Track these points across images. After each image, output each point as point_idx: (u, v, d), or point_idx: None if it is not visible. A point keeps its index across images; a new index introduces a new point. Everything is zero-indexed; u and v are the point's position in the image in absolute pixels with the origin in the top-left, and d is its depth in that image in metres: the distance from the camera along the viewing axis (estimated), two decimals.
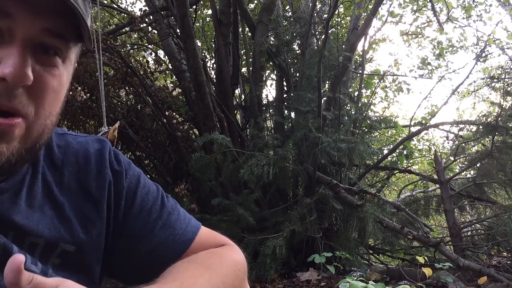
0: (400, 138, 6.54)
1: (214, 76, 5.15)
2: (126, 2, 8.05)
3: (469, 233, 4.82)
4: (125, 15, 5.74)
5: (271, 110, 5.16)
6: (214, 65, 5.33)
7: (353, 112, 5.01)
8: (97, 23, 3.28)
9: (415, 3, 7.82)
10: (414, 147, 7.11)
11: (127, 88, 4.99)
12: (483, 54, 7.52)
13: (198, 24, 6.24)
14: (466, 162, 5.22)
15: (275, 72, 5.56)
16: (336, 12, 5.03)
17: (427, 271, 3.21)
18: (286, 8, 6.21)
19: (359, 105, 5.30)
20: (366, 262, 4.50)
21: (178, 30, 4.59)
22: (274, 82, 5.89)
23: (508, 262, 3.91)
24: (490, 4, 9.90)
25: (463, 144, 5.37)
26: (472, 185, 4.51)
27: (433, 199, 5.07)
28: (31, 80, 0.53)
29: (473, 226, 4.94)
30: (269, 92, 7.30)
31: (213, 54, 5.65)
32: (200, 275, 0.64)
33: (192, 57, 4.06)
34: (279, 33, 5.09)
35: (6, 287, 0.41)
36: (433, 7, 6.18)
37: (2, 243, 0.56)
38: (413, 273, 3.61)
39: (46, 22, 0.55)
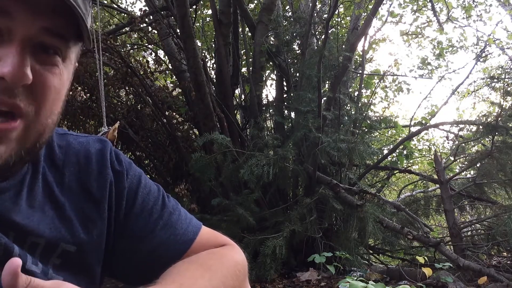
0: (400, 138, 6.55)
1: (214, 76, 5.15)
2: (126, 2, 8.06)
3: (469, 233, 4.82)
4: (125, 15, 5.74)
5: (271, 110, 5.16)
6: (214, 65, 5.33)
7: (353, 112, 5.01)
8: (97, 23, 3.28)
9: (415, 3, 7.82)
10: (414, 147, 7.12)
11: (127, 88, 5.00)
12: (483, 54, 7.52)
13: (198, 24, 6.24)
14: (466, 162, 5.22)
15: (275, 72, 5.56)
16: (336, 12, 5.03)
17: (427, 271, 3.21)
18: (286, 8, 6.21)
19: (359, 105, 5.30)
20: (366, 262, 4.50)
21: (178, 30, 4.59)
22: (274, 82, 5.90)
23: (508, 262, 3.92)
24: (490, 4, 9.91)
25: (463, 144, 5.37)
26: (472, 185, 4.51)
27: (433, 199, 5.07)
28: (30, 79, 0.53)
29: (473, 226, 4.94)
30: (269, 92, 7.32)
31: (213, 54, 5.65)
32: (200, 275, 0.64)
33: (192, 57, 4.06)
34: (279, 33, 5.09)
35: None
36: (433, 7, 6.18)
37: (3, 243, 0.56)
38: (413, 273, 3.61)
39: (45, 22, 0.55)
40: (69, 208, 0.66)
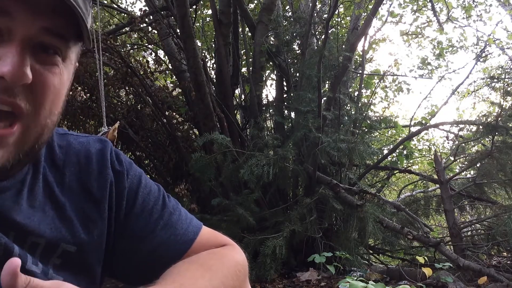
0: (400, 138, 6.55)
1: (214, 76, 5.15)
2: (126, 2, 8.06)
3: (469, 233, 4.82)
4: (125, 15, 5.74)
5: (271, 110, 5.16)
6: (214, 65, 5.33)
7: (353, 112, 5.01)
8: (97, 23, 3.28)
9: (415, 3, 7.82)
10: (414, 147, 7.12)
11: (127, 88, 5.00)
12: (483, 54, 7.52)
13: (198, 24, 6.24)
14: (466, 162, 5.22)
15: (275, 72, 5.56)
16: (336, 12, 5.03)
17: (427, 271, 3.21)
18: (286, 8, 6.21)
19: (359, 105, 5.30)
20: (366, 262, 4.50)
21: (178, 30, 4.59)
22: (274, 82, 5.90)
23: (508, 262, 3.92)
24: (490, 4, 9.91)
25: (463, 144, 5.37)
26: (472, 185, 4.51)
27: (433, 199, 5.07)
28: (30, 78, 0.53)
29: (473, 226, 4.94)
30: (269, 92, 7.32)
31: (213, 54, 5.65)
32: (201, 276, 0.64)
33: (192, 57, 4.06)
34: (279, 33, 5.09)
35: None
36: (433, 7, 6.18)
37: (3, 243, 0.56)
38: (413, 273, 3.61)
39: (45, 22, 0.55)
40: (69, 208, 0.66)
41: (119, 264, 0.72)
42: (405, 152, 5.49)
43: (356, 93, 5.58)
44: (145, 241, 0.70)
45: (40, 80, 0.56)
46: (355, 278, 2.34)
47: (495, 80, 6.31)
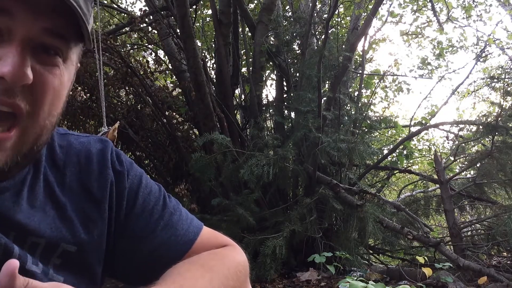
0: (400, 138, 6.54)
1: (214, 76, 5.15)
2: (126, 2, 8.06)
3: (469, 233, 4.82)
4: (125, 15, 5.74)
5: (271, 110, 5.16)
6: (214, 65, 5.33)
7: (353, 112, 5.01)
8: (97, 23, 3.28)
9: (415, 3, 7.82)
10: (414, 147, 7.12)
11: (127, 88, 4.99)
12: (483, 54, 7.52)
13: (198, 24, 6.24)
14: (466, 162, 5.22)
15: (275, 72, 5.56)
16: (336, 12, 5.03)
17: (427, 271, 3.21)
18: (286, 8, 6.21)
19: (359, 105, 5.30)
20: (366, 262, 4.50)
21: (178, 30, 4.59)
22: (274, 82, 5.90)
23: (508, 262, 3.91)
24: (490, 4, 9.92)
25: (463, 144, 5.37)
26: (472, 185, 4.51)
27: (433, 199, 5.07)
28: (31, 79, 0.53)
29: (473, 226, 4.94)
30: (269, 92, 7.32)
31: (213, 54, 5.65)
32: (201, 276, 0.64)
33: (192, 57, 4.06)
34: (279, 33, 5.09)
35: None
36: (433, 7, 6.18)
37: (3, 244, 0.56)
38: (413, 273, 3.61)
39: (46, 22, 0.55)
40: (70, 208, 0.65)
41: (119, 264, 0.72)
42: (405, 152, 5.49)
43: (356, 93, 5.58)
44: (145, 242, 0.70)
45: (40, 81, 0.56)
46: (355, 278, 2.34)
47: (495, 80, 6.32)
